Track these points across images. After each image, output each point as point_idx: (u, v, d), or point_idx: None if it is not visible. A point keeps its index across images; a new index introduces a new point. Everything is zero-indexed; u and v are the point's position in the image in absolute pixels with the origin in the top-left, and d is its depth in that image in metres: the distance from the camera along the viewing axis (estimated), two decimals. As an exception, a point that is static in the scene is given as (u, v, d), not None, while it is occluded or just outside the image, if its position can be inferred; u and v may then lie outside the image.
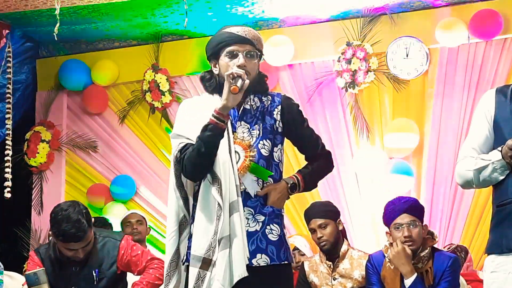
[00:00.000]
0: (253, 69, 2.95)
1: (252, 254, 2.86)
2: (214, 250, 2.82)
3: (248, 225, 2.89)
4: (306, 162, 3.15)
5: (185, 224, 3.00)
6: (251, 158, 2.91)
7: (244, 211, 2.89)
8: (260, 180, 2.93)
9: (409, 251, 3.75)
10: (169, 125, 6.27)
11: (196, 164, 2.87)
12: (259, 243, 2.88)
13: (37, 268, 3.72)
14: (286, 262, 2.92)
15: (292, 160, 5.46)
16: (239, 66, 2.89)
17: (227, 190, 2.84)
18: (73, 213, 3.60)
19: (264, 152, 2.93)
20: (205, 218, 2.87)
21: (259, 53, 2.99)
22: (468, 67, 5.57)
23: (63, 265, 3.73)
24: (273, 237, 2.90)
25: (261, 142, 2.94)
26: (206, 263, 2.83)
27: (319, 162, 3.10)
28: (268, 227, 2.91)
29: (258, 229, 2.90)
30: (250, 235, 2.88)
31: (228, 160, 2.87)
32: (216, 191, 2.83)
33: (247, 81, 2.83)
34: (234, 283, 2.79)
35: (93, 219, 3.81)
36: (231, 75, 2.81)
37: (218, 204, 2.82)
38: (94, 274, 3.70)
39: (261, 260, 2.86)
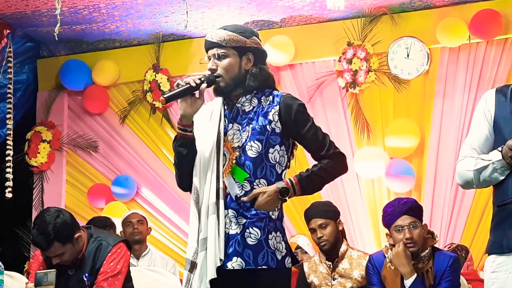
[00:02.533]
0: (226, 69, 2.93)
1: (229, 257, 2.83)
2: (198, 253, 2.85)
3: (230, 227, 2.87)
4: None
5: None
6: (232, 161, 2.90)
7: (229, 213, 2.87)
8: (244, 182, 2.89)
9: (409, 252, 3.75)
10: (170, 125, 6.27)
11: (177, 175, 2.97)
12: (237, 246, 2.84)
13: (41, 269, 3.74)
14: (265, 267, 2.84)
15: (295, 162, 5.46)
16: (209, 70, 2.94)
17: (206, 192, 2.85)
18: (47, 223, 3.61)
19: (251, 154, 2.89)
20: (193, 222, 2.89)
21: (232, 50, 2.95)
22: (469, 67, 5.58)
23: (61, 267, 3.73)
24: (251, 240, 2.85)
25: (249, 143, 2.90)
26: (192, 266, 2.86)
27: (324, 164, 2.95)
28: (247, 230, 2.86)
29: (238, 232, 2.86)
30: (230, 237, 2.85)
31: (211, 161, 2.87)
32: (192, 195, 2.89)
33: (203, 86, 2.86)
34: (207, 285, 2.79)
35: (94, 219, 3.79)
36: (179, 85, 2.86)
37: (191, 207, 2.88)
38: (85, 279, 3.68)
39: (236, 263, 2.82)
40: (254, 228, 2.87)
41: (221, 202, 2.85)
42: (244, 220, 2.87)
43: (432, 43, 5.65)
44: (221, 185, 2.86)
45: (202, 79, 2.88)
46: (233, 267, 2.82)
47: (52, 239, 3.59)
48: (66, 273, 3.73)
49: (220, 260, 2.80)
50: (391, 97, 5.76)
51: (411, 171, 5.58)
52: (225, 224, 2.86)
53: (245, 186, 2.89)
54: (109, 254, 3.73)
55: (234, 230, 2.87)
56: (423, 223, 3.86)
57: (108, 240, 3.81)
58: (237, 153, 2.89)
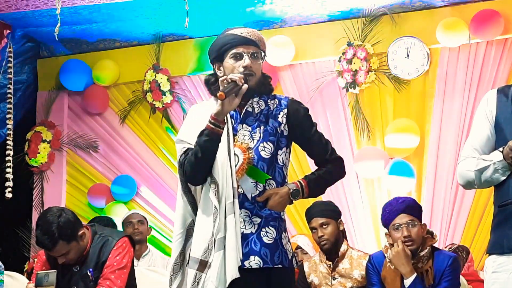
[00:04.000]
0: (258, 70, 2.96)
1: (246, 256, 2.85)
2: (210, 253, 2.82)
3: (244, 227, 2.88)
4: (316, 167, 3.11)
5: (193, 228, 2.98)
6: (248, 161, 2.90)
7: (242, 213, 2.88)
8: (259, 183, 2.91)
9: (408, 251, 3.75)
10: (170, 125, 6.28)
11: (194, 169, 2.88)
12: (253, 245, 2.86)
13: (44, 269, 3.76)
14: (280, 266, 2.88)
15: (295, 164, 5.47)
16: (245, 67, 2.89)
17: (224, 192, 2.84)
18: (50, 223, 3.61)
19: (264, 154, 2.92)
20: (204, 220, 2.86)
21: (263, 54, 2.99)
22: (469, 67, 5.58)
23: (65, 265, 3.75)
24: (267, 239, 2.88)
25: (261, 144, 2.92)
26: (203, 265, 2.83)
27: (328, 168, 3.04)
28: (263, 229, 2.89)
29: (254, 231, 2.88)
30: (245, 237, 2.87)
31: (226, 162, 2.86)
32: (213, 193, 2.84)
33: (245, 86, 2.83)
34: (227, 284, 2.78)
35: (96, 219, 3.79)
36: (225, 81, 2.81)
37: (215, 206, 2.83)
38: (89, 274, 3.70)
39: (254, 262, 2.84)
40: (269, 227, 2.90)
41: (236, 201, 2.85)
42: (259, 220, 2.90)
43: (432, 43, 5.65)
44: (235, 185, 2.86)
45: (244, 79, 2.85)
46: (251, 266, 2.84)
47: (57, 239, 3.60)
48: (70, 270, 3.74)
49: (240, 259, 2.81)
50: (391, 97, 5.76)
51: (411, 171, 5.58)
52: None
53: (259, 186, 2.91)
54: (114, 248, 3.75)
55: (248, 229, 2.88)
56: (422, 223, 3.87)
57: (113, 235, 3.84)
58: (252, 154, 2.90)
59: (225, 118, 2.86)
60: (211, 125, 2.83)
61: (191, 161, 2.87)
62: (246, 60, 2.91)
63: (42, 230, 3.61)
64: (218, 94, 2.77)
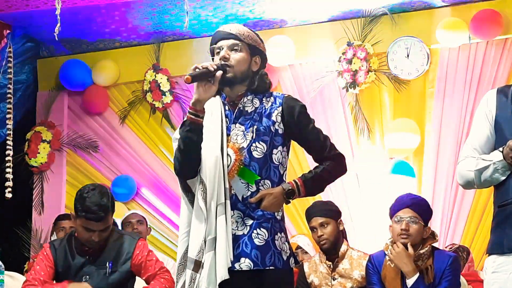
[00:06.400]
0: (239, 62, 2.95)
1: (237, 258, 2.84)
2: (203, 253, 2.83)
3: (236, 228, 2.87)
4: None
5: None
6: (239, 162, 2.89)
7: (234, 214, 2.87)
8: (250, 184, 2.89)
9: (411, 250, 3.75)
10: (170, 125, 6.27)
11: (180, 162, 2.89)
12: (244, 247, 2.85)
13: (44, 262, 3.78)
14: (272, 267, 2.85)
15: (295, 163, 5.47)
16: (220, 59, 2.92)
17: (215, 193, 2.83)
18: (99, 193, 3.70)
19: (256, 154, 2.90)
20: (198, 220, 2.86)
21: (247, 47, 2.98)
22: (469, 67, 5.58)
23: (77, 255, 3.78)
24: (259, 241, 2.86)
25: (254, 144, 2.90)
26: (197, 265, 2.83)
27: (326, 166, 3.00)
28: (255, 231, 2.87)
29: (246, 233, 2.87)
30: (237, 238, 2.86)
31: (218, 162, 2.85)
32: (200, 194, 2.85)
33: (219, 72, 2.84)
34: (217, 285, 2.78)
35: None
36: (197, 69, 2.83)
37: (200, 207, 2.84)
38: (108, 266, 3.73)
39: (244, 264, 2.83)
40: (261, 229, 2.88)
41: (228, 202, 2.84)
42: (251, 221, 2.88)
43: (432, 43, 5.65)
44: (227, 186, 2.85)
45: (218, 66, 2.87)
46: (241, 268, 2.83)
47: (108, 209, 3.69)
48: (83, 260, 3.77)
49: (230, 260, 2.80)
50: (391, 97, 5.76)
51: (411, 171, 5.58)
52: (231, 225, 2.86)
53: (251, 187, 2.89)
54: (139, 244, 3.79)
55: (240, 231, 2.87)
56: (427, 226, 3.86)
57: (132, 235, 3.94)
58: (244, 154, 2.89)
59: (203, 106, 2.86)
60: (190, 115, 2.84)
61: (176, 154, 2.89)
62: (222, 52, 2.94)
63: (92, 201, 3.65)
64: (184, 78, 2.79)
